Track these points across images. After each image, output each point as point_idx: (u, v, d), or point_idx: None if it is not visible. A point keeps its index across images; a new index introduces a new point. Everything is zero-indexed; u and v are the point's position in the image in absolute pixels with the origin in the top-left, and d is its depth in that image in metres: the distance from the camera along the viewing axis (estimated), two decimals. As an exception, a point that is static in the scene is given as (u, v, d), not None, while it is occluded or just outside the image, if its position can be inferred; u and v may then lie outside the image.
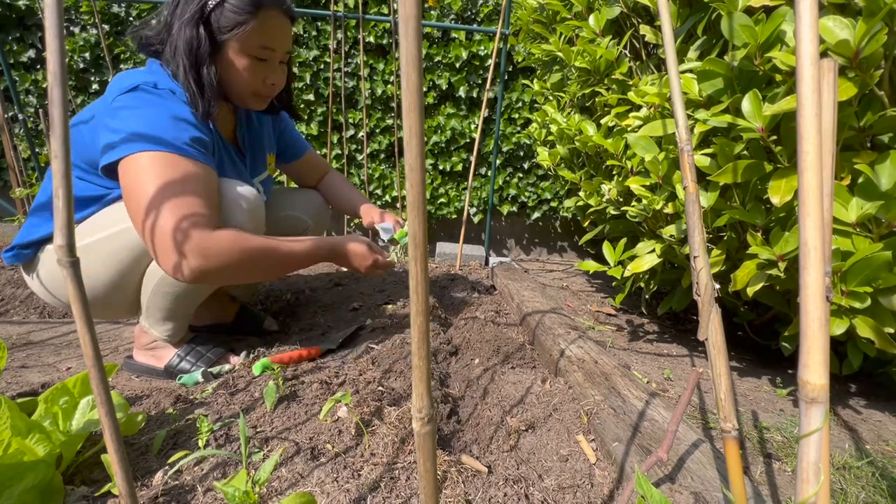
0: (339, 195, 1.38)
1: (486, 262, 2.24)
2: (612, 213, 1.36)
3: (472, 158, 1.98)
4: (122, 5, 2.28)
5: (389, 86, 2.39)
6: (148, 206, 0.79)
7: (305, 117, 2.41)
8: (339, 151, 2.47)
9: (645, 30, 1.14)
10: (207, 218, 0.82)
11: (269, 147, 1.21)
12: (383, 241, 1.26)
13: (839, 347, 1.04)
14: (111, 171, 0.85)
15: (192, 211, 0.81)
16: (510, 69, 2.43)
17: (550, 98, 1.73)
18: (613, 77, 1.26)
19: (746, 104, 0.81)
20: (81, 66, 2.34)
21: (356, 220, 2.60)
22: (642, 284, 1.41)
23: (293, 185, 1.47)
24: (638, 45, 1.27)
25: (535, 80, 1.86)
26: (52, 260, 0.96)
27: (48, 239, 0.97)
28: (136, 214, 0.81)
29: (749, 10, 0.83)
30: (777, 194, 0.80)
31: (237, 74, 0.93)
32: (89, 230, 0.92)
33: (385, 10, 2.31)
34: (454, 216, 2.65)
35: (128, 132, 0.81)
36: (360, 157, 2.50)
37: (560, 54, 1.40)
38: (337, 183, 1.40)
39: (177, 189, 0.80)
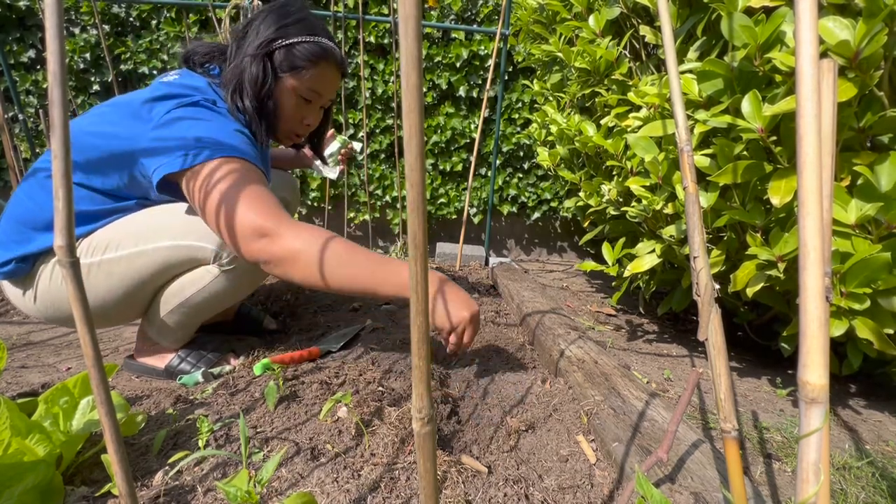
0: (277, 156, 1.46)
1: (486, 263, 2.24)
2: (612, 213, 1.36)
3: (472, 158, 1.98)
4: (122, 6, 2.28)
5: (389, 85, 2.39)
6: (238, 201, 0.81)
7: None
8: (339, 152, 2.47)
9: (645, 30, 1.14)
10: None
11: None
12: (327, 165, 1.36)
13: (839, 348, 1.04)
14: (173, 178, 0.85)
15: (278, 205, 0.85)
16: (510, 69, 2.43)
17: (550, 98, 1.73)
18: (613, 77, 1.26)
19: (746, 105, 0.81)
20: (81, 66, 2.34)
21: (354, 218, 2.60)
22: (641, 284, 1.42)
23: None
24: (638, 46, 1.27)
25: (535, 81, 1.86)
26: (55, 273, 0.92)
27: (51, 250, 0.93)
28: (219, 209, 0.81)
29: (749, 11, 0.83)
30: (777, 195, 0.80)
31: (281, 109, 1.00)
32: (104, 244, 0.91)
33: (385, 11, 2.31)
34: (454, 216, 2.65)
35: (206, 140, 0.84)
36: (360, 158, 2.50)
37: (560, 55, 1.40)
38: (278, 153, 1.48)
39: (261, 189, 0.84)
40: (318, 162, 1.38)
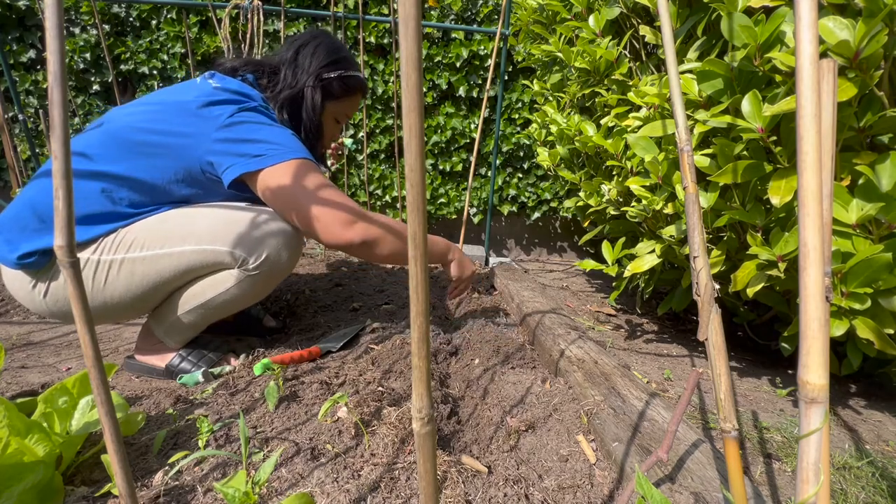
0: None
1: (487, 263, 2.24)
2: (612, 213, 1.36)
3: (472, 158, 1.98)
4: (122, 5, 2.28)
5: (389, 85, 2.39)
6: (325, 195, 0.94)
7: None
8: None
9: (645, 30, 1.14)
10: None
11: None
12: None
13: (839, 348, 1.04)
14: (247, 178, 0.94)
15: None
16: (510, 69, 2.43)
17: (550, 98, 1.73)
18: (613, 77, 1.26)
19: (746, 105, 0.81)
20: (81, 66, 2.34)
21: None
22: (641, 283, 1.42)
23: None
24: (638, 46, 1.27)
25: (534, 81, 1.86)
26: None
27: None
28: (308, 204, 0.93)
29: (749, 11, 0.83)
30: (777, 195, 0.80)
31: (324, 130, 1.18)
32: (131, 243, 0.92)
33: (385, 11, 2.31)
34: (454, 216, 2.65)
35: (277, 143, 0.94)
36: (360, 158, 2.50)
37: (560, 55, 1.40)
38: None
39: (333, 186, 0.98)
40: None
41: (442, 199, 2.62)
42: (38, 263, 0.91)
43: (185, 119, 0.93)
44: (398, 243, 1.00)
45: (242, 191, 0.98)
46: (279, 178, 0.92)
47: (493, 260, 2.24)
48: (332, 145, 1.51)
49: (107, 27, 2.32)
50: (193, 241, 0.92)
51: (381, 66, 2.38)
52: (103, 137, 0.94)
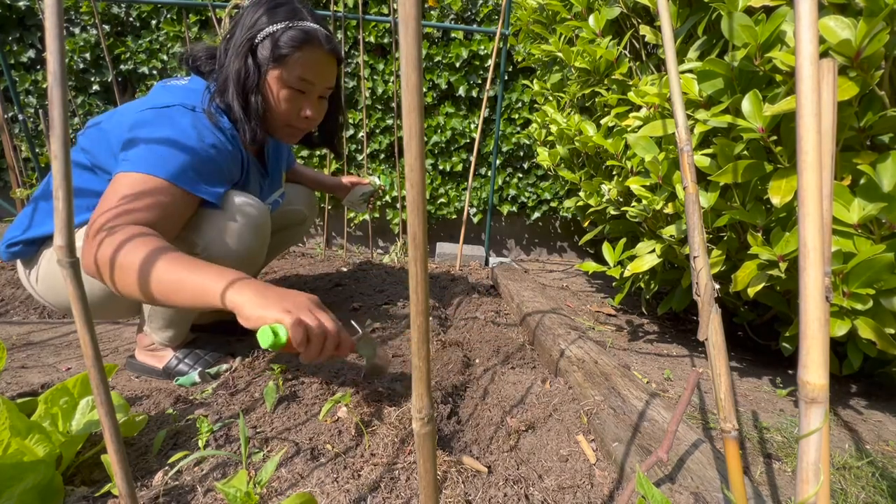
0: (314, 178, 1.50)
1: (487, 263, 2.24)
2: (612, 213, 1.36)
3: (472, 158, 1.98)
4: (122, 6, 2.28)
5: (389, 85, 2.39)
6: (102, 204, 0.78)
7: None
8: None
9: (645, 30, 1.14)
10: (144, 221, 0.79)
11: (284, 165, 1.29)
12: (363, 195, 1.49)
13: (839, 348, 1.04)
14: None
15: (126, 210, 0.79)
16: (510, 69, 2.43)
17: (550, 98, 1.73)
18: (613, 77, 1.26)
19: (747, 104, 0.81)
20: (81, 66, 2.34)
21: (354, 218, 2.60)
22: (642, 285, 1.41)
23: None
24: (638, 46, 1.27)
25: (535, 81, 1.86)
26: (53, 259, 0.96)
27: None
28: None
29: (749, 11, 0.83)
30: (777, 195, 0.79)
31: (275, 104, 0.96)
32: None
33: (385, 11, 2.31)
34: (454, 216, 2.65)
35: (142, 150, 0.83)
36: (360, 157, 2.50)
37: (560, 55, 1.40)
38: (305, 171, 1.50)
39: (122, 196, 0.79)
40: (347, 197, 1.51)
41: (442, 199, 2.62)
42: (24, 252, 0.96)
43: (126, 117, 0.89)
44: (129, 275, 0.71)
45: None
46: (113, 183, 0.81)
47: (493, 260, 2.24)
48: (373, 193, 1.52)
49: (107, 27, 2.32)
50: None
51: (381, 66, 2.38)
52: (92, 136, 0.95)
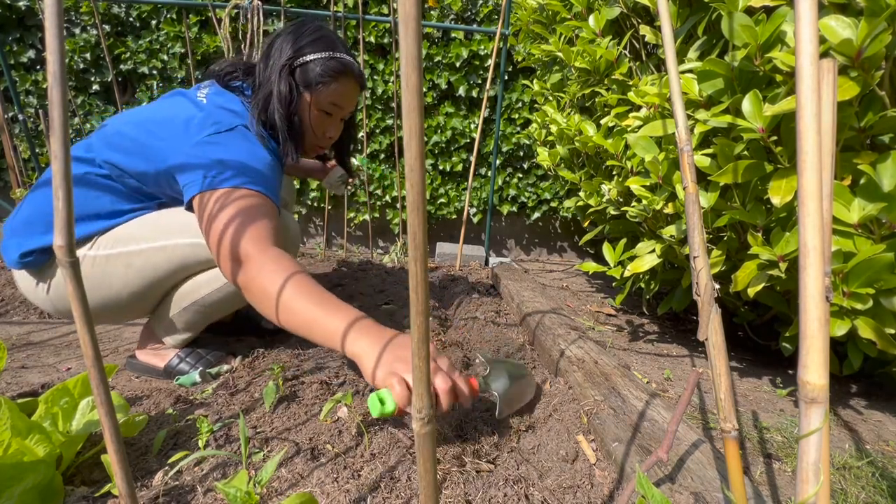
0: (291, 164, 1.44)
1: (487, 263, 2.24)
2: (612, 213, 1.36)
3: (472, 158, 1.98)
4: (122, 6, 2.28)
5: (389, 85, 2.39)
6: (232, 226, 0.82)
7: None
8: (340, 151, 2.47)
9: (645, 30, 1.14)
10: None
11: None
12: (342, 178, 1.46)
13: (839, 348, 1.04)
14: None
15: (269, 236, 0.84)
16: (510, 69, 2.43)
17: (550, 98, 1.73)
18: (613, 77, 1.26)
19: (747, 104, 0.81)
20: (81, 66, 2.34)
21: (354, 218, 2.60)
22: (643, 285, 1.41)
23: None
24: (638, 46, 1.27)
25: (535, 81, 1.86)
26: None
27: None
28: (217, 231, 0.82)
29: (749, 11, 0.83)
30: (777, 195, 0.79)
31: (305, 124, 1.04)
32: (126, 237, 0.94)
33: (385, 11, 2.31)
34: (454, 216, 2.65)
35: (230, 165, 0.87)
36: (358, 171, 2.50)
37: (560, 55, 1.39)
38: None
39: (262, 220, 0.84)
40: (326, 178, 1.49)
41: (442, 199, 2.62)
42: (38, 262, 0.95)
43: (169, 129, 0.93)
44: (269, 303, 0.76)
45: None
46: (207, 202, 0.84)
47: (493, 260, 2.24)
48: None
49: (107, 27, 2.32)
50: (188, 235, 0.92)
51: (381, 66, 2.38)
52: (98, 137, 0.97)
